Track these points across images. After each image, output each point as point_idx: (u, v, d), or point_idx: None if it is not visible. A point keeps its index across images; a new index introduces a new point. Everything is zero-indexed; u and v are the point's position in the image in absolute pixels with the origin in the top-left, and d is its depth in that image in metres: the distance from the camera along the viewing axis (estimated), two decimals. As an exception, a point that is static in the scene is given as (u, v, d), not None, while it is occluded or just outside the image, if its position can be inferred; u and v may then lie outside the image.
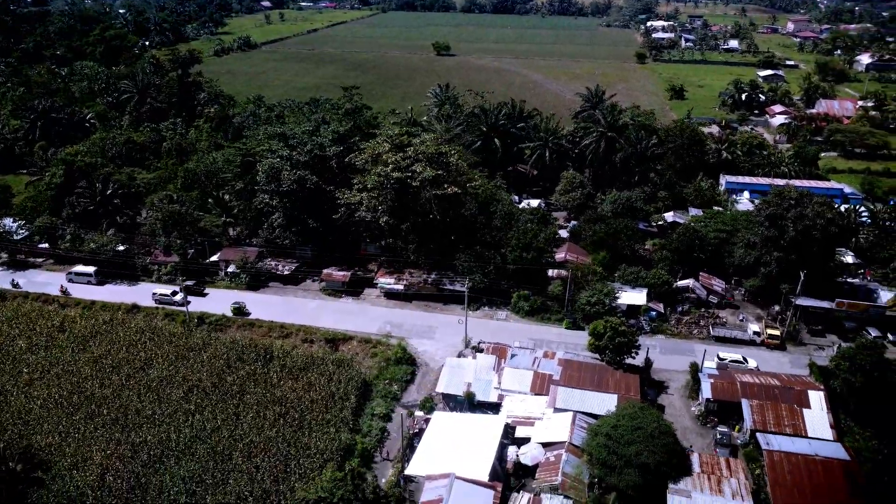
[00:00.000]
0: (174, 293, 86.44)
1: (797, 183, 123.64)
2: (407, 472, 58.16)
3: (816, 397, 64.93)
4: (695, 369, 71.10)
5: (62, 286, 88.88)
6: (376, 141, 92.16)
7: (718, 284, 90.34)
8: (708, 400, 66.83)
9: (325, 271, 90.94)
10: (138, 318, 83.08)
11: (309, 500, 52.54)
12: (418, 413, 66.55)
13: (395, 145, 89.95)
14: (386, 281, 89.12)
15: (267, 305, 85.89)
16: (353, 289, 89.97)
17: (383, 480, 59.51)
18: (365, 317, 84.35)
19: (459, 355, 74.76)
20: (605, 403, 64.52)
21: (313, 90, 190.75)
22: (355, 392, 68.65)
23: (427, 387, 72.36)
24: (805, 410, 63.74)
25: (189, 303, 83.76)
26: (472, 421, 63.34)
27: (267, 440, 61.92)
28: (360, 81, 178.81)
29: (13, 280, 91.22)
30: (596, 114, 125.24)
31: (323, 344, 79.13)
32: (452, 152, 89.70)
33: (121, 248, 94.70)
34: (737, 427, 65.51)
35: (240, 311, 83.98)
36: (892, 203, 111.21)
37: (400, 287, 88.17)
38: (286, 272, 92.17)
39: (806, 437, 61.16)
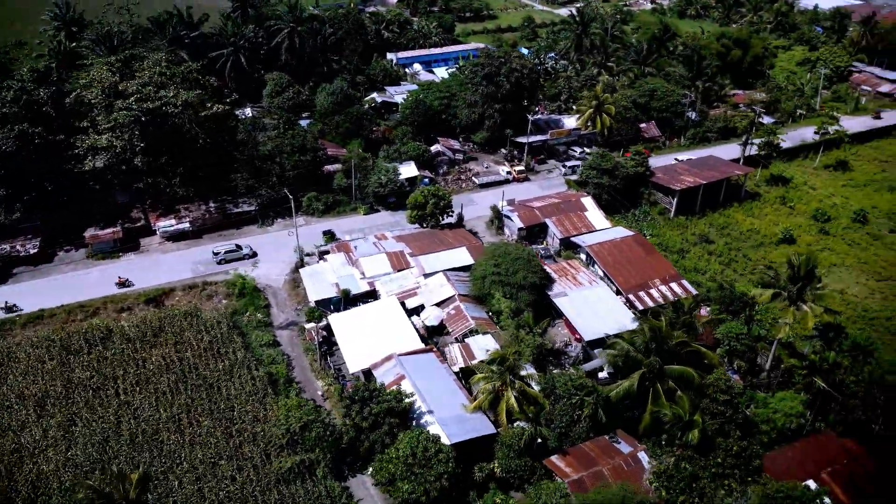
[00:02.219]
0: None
1: (448, 49, 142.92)
2: (352, 370, 60.47)
3: (588, 202, 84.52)
4: (496, 210, 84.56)
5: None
6: (96, 70, 79.00)
7: (455, 144, 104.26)
8: (520, 228, 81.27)
9: (88, 234, 78.01)
10: None
11: (293, 428, 52.15)
12: (309, 325, 67.07)
13: (121, 72, 78.84)
14: (167, 224, 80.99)
15: (37, 295, 71.19)
16: (127, 244, 79.66)
17: (319, 393, 60.95)
18: (165, 266, 76.53)
19: (301, 265, 75.19)
20: (460, 257, 74.02)
21: None
22: (234, 332, 65.42)
23: (288, 304, 72.06)
24: (585, 213, 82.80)
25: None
26: (369, 310, 66.91)
27: (188, 408, 56.84)
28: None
29: None
30: (278, 9, 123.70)
31: (145, 306, 70.82)
32: (193, 70, 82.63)
33: None
34: (544, 242, 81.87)
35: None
36: (523, 51, 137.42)
37: (186, 225, 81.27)
38: (33, 251, 76.34)
39: (596, 230, 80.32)
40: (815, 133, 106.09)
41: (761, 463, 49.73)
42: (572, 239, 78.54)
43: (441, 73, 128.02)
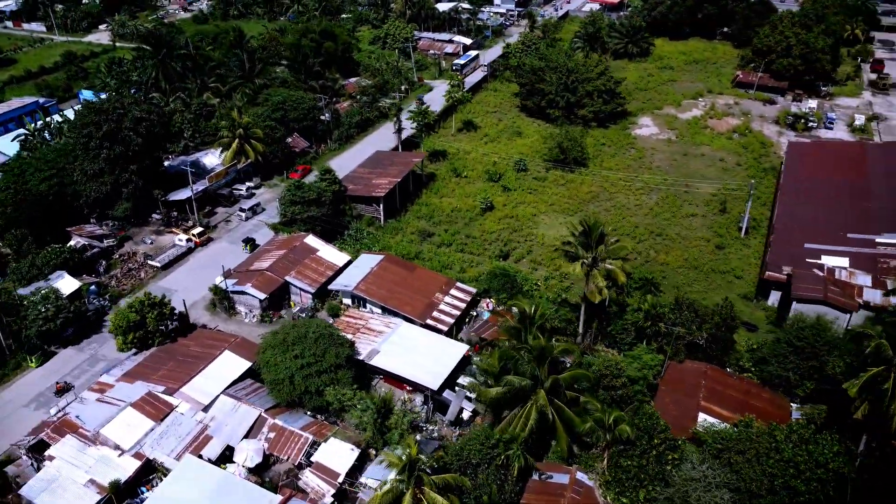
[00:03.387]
0: None
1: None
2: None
3: (313, 240, 74.72)
4: (220, 290, 68.67)
5: None
6: None
7: (95, 229, 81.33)
8: (262, 299, 67.60)
9: None
10: None
11: None
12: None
13: None
14: None
15: None
16: None
17: None
18: None
19: (10, 485, 49.97)
20: (232, 365, 58.34)
21: None
22: None
23: (22, 548, 47.48)
24: (319, 253, 73.13)
25: None
26: (167, 493, 47.99)
27: None
28: None
29: None
30: None
31: None
32: None
33: None
34: (290, 303, 70.05)
35: None
36: (87, 95, 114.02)
37: None
38: None
39: (339, 267, 71.61)
40: (447, 100, 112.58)
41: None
42: (329, 287, 68.73)
43: (4, 145, 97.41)
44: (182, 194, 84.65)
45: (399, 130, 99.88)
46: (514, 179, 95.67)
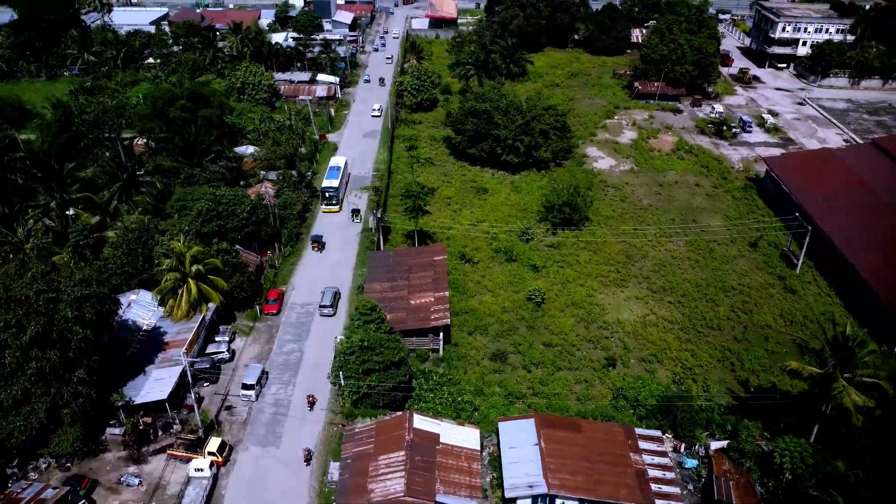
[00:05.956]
0: None
1: None
2: None
3: (422, 421, 52.34)
4: None
5: None
6: None
7: (29, 490, 49.12)
8: None
9: None
10: None
11: None
12: None
13: None
14: None
15: None
16: None
17: None
18: None
19: None
20: None
21: None
22: None
23: None
24: (442, 438, 51.52)
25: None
26: None
27: None
28: None
29: None
30: None
31: None
32: None
33: None
34: None
35: None
36: None
37: None
38: None
39: (468, 447, 51.41)
40: (418, 164, 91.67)
41: None
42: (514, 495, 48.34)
43: None
44: (155, 389, 55.40)
45: (380, 220, 77.99)
46: (532, 254, 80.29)
